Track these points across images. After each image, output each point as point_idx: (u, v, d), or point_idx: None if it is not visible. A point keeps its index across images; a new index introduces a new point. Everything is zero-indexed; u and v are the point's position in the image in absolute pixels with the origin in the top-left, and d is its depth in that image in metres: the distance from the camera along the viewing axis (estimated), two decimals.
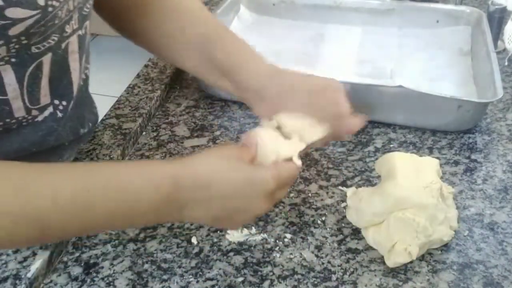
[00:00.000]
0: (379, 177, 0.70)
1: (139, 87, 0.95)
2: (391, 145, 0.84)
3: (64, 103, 0.66)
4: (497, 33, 1.05)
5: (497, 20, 1.03)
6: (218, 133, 0.88)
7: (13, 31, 0.51)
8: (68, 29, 0.60)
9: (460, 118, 0.84)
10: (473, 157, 0.81)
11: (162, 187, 0.52)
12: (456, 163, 0.80)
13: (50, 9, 0.53)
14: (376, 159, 0.71)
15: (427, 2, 1.13)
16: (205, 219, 0.57)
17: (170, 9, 0.71)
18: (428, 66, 0.99)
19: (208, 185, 0.54)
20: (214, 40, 0.69)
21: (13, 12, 0.49)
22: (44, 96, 0.63)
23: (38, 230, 0.49)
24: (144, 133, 0.88)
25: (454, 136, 0.85)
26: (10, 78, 0.57)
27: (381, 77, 0.95)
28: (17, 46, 0.54)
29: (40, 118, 0.64)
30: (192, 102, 0.96)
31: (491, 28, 1.00)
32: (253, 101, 0.68)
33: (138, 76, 0.99)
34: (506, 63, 1.03)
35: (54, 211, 0.49)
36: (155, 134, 0.88)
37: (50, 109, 0.64)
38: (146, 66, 1.02)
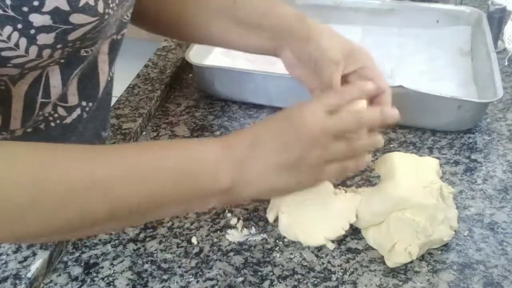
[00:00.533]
0: (379, 177, 0.70)
1: (139, 87, 0.95)
2: (391, 145, 0.84)
3: (90, 104, 0.66)
4: (497, 33, 1.05)
5: (497, 20, 1.03)
6: (218, 133, 0.88)
7: (72, 36, 0.51)
8: (109, 34, 0.61)
9: (460, 118, 0.84)
10: (473, 157, 0.81)
11: (213, 149, 0.54)
12: (456, 163, 0.80)
13: (106, 16, 0.54)
14: (376, 159, 0.71)
15: (427, 2, 1.13)
16: (267, 175, 0.54)
17: None
18: (428, 66, 0.99)
19: (254, 141, 0.54)
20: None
21: (76, 18, 0.50)
22: (73, 96, 0.63)
23: (106, 203, 0.49)
24: (144, 133, 0.88)
25: (454, 136, 0.85)
26: (56, 80, 0.58)
27: None
28: (70, 50, 0.54)
29: (68, 120, 0.64)
30: (192, 102, 0.95)
31: (491, 28, 1.00)
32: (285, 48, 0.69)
33: (138, 76, 0.99)
34: (506, 63, 1.03)
35: (122, 180, 0.49)
36: (155, 134, 0.88)
37: (78, 111, 0.65)
38: (146, 66, 1.02)
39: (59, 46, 0.51)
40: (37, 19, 0.48)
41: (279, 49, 0.69)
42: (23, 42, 0.49)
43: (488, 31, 0.98)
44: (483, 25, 1.00)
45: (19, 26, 0.47)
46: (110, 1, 0.53)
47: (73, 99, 0.63)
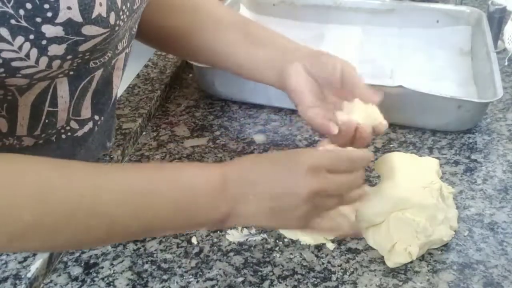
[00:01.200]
0: (379, 177, 0.70)
1: (139, 87, 0.95)
2: (391, 145, 0.84)
3: (102, 118, 0.67)
4: (497, 33, 1.05)
5: (497, 20, 1.03)
6: (218, 133, 0.88)
7: (83, 47, 0.51)
8: (120, 47, 0.61)
9: (460, 118, 0.84)
10: (473, 157, 0.81)
11: (213, 180, 0.54)
12: (456, 163, 0.80)
13: (117, 28, 0.54)
14: (376, 159, 0.71)
15: (427, 2, 1.13)
16: (260, 215, 0.55)
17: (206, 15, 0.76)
18: (428, 66, 0.99)
19: (254, 180, 0.54)
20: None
21: (88, 30, 0.50)
22: (86, 109, 0.63)
23: (106, 226, 0.49)
24: (144, 133, 0.88)
25: (454, 136, 0.85)
26: (64, 91, 0.58)
27: (381, 77, 0.95)
28: (79, 61, 0.54)
29: (79, 133, 0.65)
30: (192, 102, 0.96)
31: (491, 28, 1.00)
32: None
33: (138, 76, 0.99)
34: (506, 63, 1.03)
35: (122, 205, 0.50)
36: (155, 134, 0.88)
37: (90, 124, 0.65)
38: (146, 66, 1.02)
39: (69, 57, 0.51)
40: (49, 30, 0.47)
41: (288, 63, 0.69)
42: (34, 53, 0.48)
43: (488, 31, 0.98)
44: (483, 25, 1.00)
45: (31, 36, 0.47)
46: (121, 13, 0.53)
47: (86, 112, 0.64)
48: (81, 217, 0.48)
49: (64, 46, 0.49)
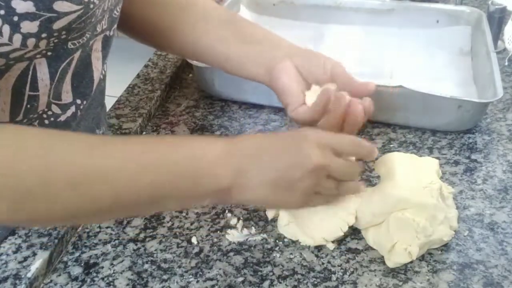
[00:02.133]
0: (379, 177, 0.70)
1: (139, 87, 0.95)
2: (391, 145, 0.84)
3: (84, 102, 0.66)
4: (497, 33, 1.05)
5: (497, 20, 1.03)
6: (218, 133, 0.88)
7: (57, 25, 0.51)
8: (99, 28, 0.61)
9: (460, 118, 0.84)
10: (473, 157, 0.81)
11: (215, 149, 0.54)
12: (456, 163, 0.80)
13: (91, 5, 0.54)
14: (376, 159, 0.71)
15: (427, 2, 1.13)
16: (263, 188, 0.56)
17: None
18: (428, 66, 0.99)
19: (258, 154, 0.55)
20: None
21: (60, 6, 0.50)
22: (66, 93, 0.63)
23: (111, 191, 0.50)
24: (144, 133, 0.88)
25: (454, 136, 0.85)
26: (43, 73, 0.58)
27: (381, 77, 0.95)
28: (56, 41, 0.54)
29: (62, 118, 0.64)
30: (192, 102, 0.95)
31: (491, 28, 1.00)
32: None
33: (138, 76, 0.99)
34: (506, 63, 1.03)
35: (125, 171, 0.50)
36: (155, 134, 0.88)
37: (73, 108, 0.65)
38: (146, 66, 1.02)
39: (44, 35, 0.51)
40: (20, 5, 0.47)
41: (278, 61, 0.69)
42: (6, 29, 0.48)
43: (488, 31, 0.98)
44: (483, 25, 1.00)
45: (2, 12, 0.47)
46: None
47: (67, 96, 0.63)
48: (85, 183, 0.49)
49: (37, 23, 0.49)
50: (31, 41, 0.51)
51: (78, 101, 0.65)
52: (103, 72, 0.69)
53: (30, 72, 0.57)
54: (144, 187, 0.52)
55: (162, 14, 0.75)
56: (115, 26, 0.66)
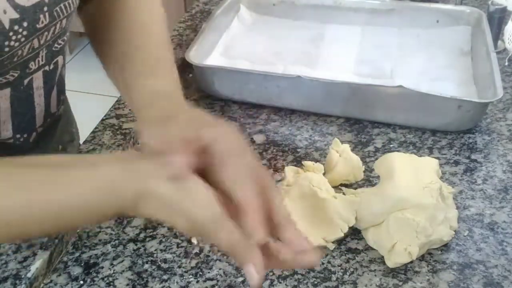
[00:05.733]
0: (379, 177, 0.70)
1: None
2: (391, 145, 0.84)
3: (25, 135, 0.67)
4: (497, 33, 1.04)
5: (497, 20, 1.03)
6: None
7: None
8: (33, 66, 0.59)
9: (460, 118, 0.84)
10: (473, 157, 0.81)
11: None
12: (456, 163, 0.80)
13: (6, 49, 0.52)
14: (376, 159, 0.71)
15: (427, 2, 1.13)
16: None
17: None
18: (428, 66, 0.99)
19: None
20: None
21: None
22: (6, 131, 0.63)
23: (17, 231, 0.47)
24: None
25: (454, 136, 0.85)
26: None
27: (381, 77, 0.95)
28: None
29: (19, 143, 0.66)
30: (192, 102, 0.95)
31: (491, 28, 1.00)
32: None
33: None
34: (506, 63, 1.03)
35: (29, 217, 0.46)
36: None
37: (11, 141, 0.66)
38: None
39: None
40: None
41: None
42: None
43: (488, 31, 0.98)
44: (483, 25, 1.00)
45: None
46: (11, 33, 0.51)
47: (6, 134, 0.63)
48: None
49: None
50: None
51: (18, 135, 0.65)
52: (61, 104, 0.69)
53: None
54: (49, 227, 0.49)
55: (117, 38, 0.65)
56: (58, 59, 0.63)
